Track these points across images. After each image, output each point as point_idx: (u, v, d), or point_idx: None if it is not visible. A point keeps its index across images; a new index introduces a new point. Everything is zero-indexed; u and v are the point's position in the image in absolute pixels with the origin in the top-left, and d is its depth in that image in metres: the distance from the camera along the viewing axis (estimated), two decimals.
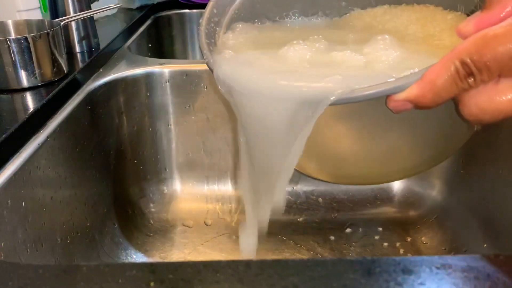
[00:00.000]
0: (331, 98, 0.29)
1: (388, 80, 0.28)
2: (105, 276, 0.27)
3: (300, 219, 0.72)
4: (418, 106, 0.28)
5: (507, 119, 0.28)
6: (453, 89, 0.27)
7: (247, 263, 0.28)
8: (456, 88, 0.27)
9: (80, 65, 0.65)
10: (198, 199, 0.75)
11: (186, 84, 0.70)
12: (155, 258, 0.64)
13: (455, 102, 0.29)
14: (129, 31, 0.87)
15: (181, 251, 0.66)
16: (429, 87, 0.27)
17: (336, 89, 0.29)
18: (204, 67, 0.69)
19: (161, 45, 1.06)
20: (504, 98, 0.27)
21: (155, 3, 1.05)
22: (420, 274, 0.27)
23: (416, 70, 0.28)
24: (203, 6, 1.08)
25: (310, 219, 0.72)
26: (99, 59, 0.70)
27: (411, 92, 0.28)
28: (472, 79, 0.27)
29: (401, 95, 0.28)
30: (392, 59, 0.32)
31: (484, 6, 0.28)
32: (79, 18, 0.68)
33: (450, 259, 0.28)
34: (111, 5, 0.75)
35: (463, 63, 0.26)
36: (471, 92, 0.27)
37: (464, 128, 0.36)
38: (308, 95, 0.30)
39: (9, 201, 0.43)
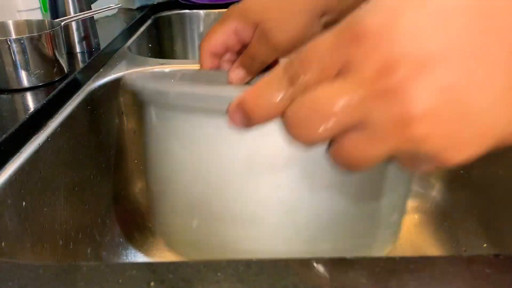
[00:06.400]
0: None
1: None
2: (105, 276, 0.27)
3: None
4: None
5: None
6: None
7: (247, 263, 0.28)
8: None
9: (81, 65, 0.65)
10: None
11: None
12: (155, 258, 0.64)
13: None
14: (129, 31, 0.87)
15: None
16: None
17: None
18: None
19: (161, 45, 1.06)
20: None
21: (155, 3, 1.05)
22: (420, 274, 0.27)
23: None
24: (203, 6, 1.08)
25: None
26: (100, 59, 0.70)
27: None
28: None
29: None
30: None
31: None
32: (79, 18, 0.68)
33: (450, 259, 0.28)
34: (111, 5, 0.75)
35: None
36: None
37: None
38: None
39: (9, 201, 0.43)
